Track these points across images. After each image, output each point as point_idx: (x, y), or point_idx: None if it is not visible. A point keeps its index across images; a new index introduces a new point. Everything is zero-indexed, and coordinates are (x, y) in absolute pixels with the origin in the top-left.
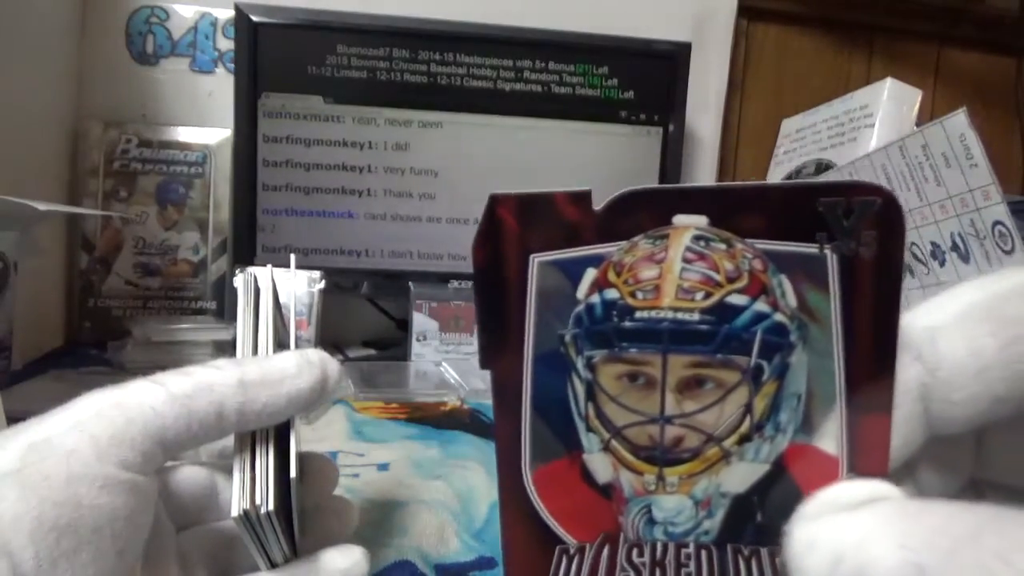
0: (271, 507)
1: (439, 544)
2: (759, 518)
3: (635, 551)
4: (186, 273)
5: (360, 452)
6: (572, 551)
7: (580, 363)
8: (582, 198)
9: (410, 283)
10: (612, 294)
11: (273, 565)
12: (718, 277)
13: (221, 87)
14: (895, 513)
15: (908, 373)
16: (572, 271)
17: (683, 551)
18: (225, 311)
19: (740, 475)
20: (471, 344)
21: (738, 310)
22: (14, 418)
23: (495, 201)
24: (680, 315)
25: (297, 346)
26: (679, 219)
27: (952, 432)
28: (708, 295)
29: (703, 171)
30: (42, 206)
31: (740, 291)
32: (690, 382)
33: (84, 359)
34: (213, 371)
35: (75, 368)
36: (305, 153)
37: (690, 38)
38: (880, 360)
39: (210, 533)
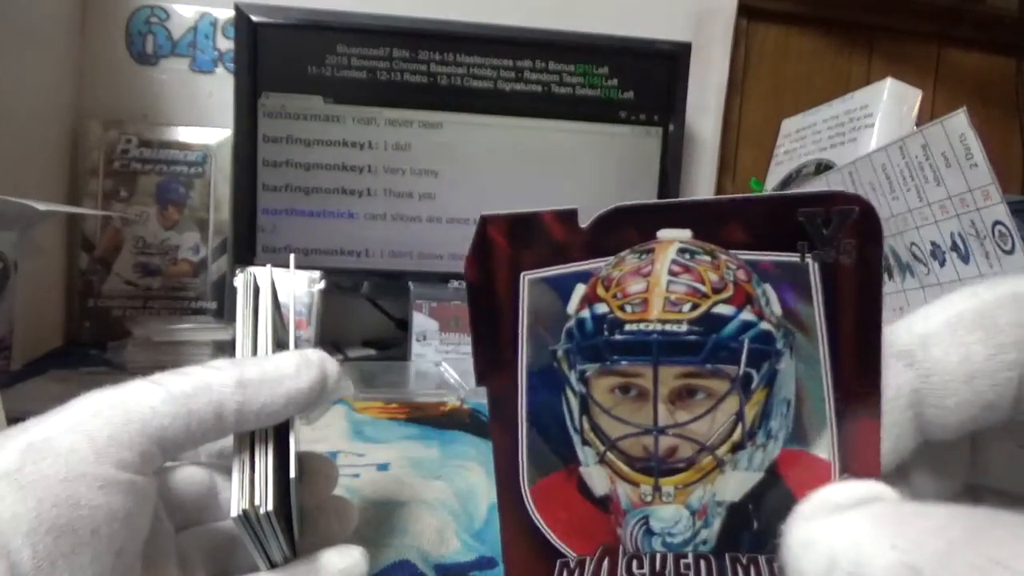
0: (270, 507)
1: (439, 544)
2: (756, 526)
3: (635, 563)
4: (186, 273)
5: (360, 452)
6: (572, 564)
7: (573, 377)
8: (569, 216)
9: (410, 283)
10: (602, 308)
11: (273, 565)
12: (704, 288)
13: (221, 87)
14: (890, 514)
15: (900, 379)
16: (562, 287)
17: (682, 562)
18: (225, 311)
19: (735, 483)
20: (470, 344)
21: (725, 320)
22: (14, 418)
23: (486, 222)
24: (668, 327)
25: (297, 346)
26: (663, 233)
27: (944, 438)
28: (695, 306)
29: (703, 171)
30: (42, 206)
31: (726, 301)
32: (681, 392)
33: (84, 359)
34: (212, 371)
35: (75, 368)
36: (305, 153)
37: (690, 38)
38: (865, 363)
39: (209, 533)
